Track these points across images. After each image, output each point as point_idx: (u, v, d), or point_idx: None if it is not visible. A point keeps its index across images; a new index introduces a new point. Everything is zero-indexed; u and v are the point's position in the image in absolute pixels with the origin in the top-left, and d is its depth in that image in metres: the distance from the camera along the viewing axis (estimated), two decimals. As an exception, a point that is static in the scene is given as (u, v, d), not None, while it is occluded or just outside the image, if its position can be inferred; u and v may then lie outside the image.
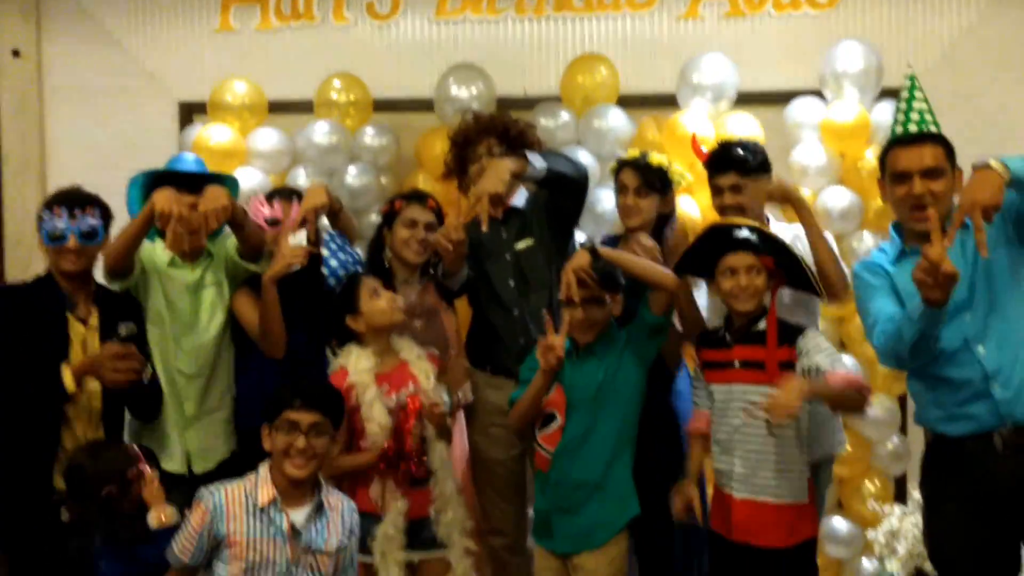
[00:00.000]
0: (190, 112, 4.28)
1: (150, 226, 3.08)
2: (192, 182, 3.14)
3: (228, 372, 3.28)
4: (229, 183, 3.28)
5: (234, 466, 3.08)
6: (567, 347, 3.06)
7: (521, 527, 3.50)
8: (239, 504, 2.76)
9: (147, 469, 2.91)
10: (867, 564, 3.91)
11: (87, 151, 4.14)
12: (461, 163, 3.61)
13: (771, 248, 2.83)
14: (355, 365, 3.10)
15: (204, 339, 3.21)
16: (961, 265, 2.57)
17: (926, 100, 2.81)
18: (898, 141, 2.80)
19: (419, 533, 3.10)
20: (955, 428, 2.71)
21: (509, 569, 3.52)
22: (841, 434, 3.33)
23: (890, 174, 2.80)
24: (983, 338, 2.65)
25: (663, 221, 3.32)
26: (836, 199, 3.94)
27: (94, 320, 3.07)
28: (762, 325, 2.86)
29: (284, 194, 3.42)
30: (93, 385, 3.00)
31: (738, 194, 3.13)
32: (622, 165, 3.34)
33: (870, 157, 3.97)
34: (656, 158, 3.31)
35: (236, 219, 3.11)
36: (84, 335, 3.04)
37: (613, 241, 3.40)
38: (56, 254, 3.05)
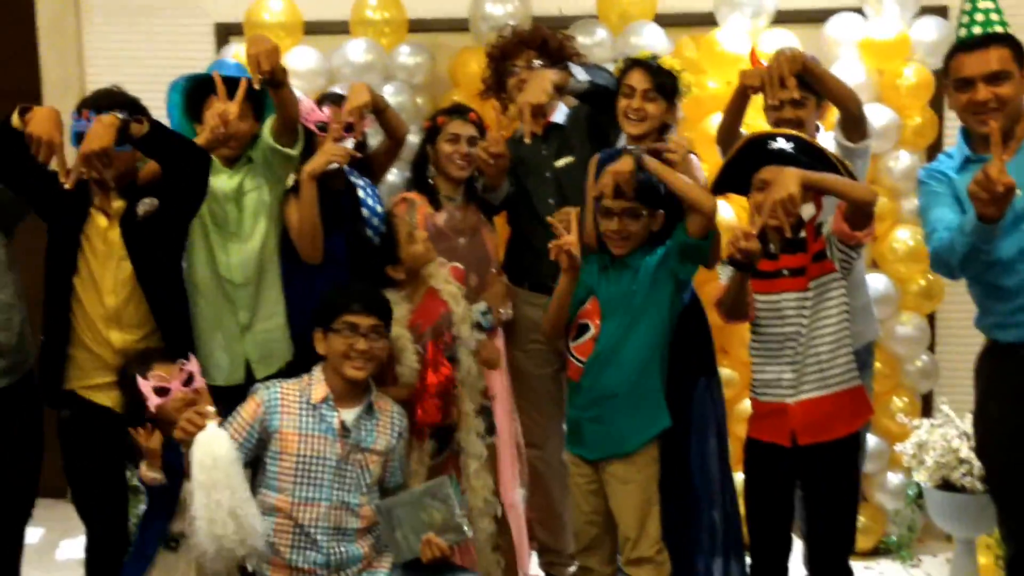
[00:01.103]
0: (227, 33, 4.29)
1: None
2: (233, 87, 3.07)
3: (279, 278, 3.26)
4: (265, 98, 3.21)
5: (294, 373, 3.09)
6: (604, 260, 3.10)
7: (556, 441, 3.57)
8: (293, 400, 2.87)
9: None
10: (892, 478, 3.99)
11: (125, 72, 4.11)
12: (499, 78, 3.62)
13: (811, 158, 2.82)
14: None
15: (250, 246, 3.19)
16: (1021, 179, 2.57)
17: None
18: (962, 46, 2.80)
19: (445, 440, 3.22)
20: (1007, 335, 2.77)
21: (545, 480, 3.60)
22: (876, 324, 3.39)
23: (953, 80, 2.79)
24: None
25: (661, 131, 3.25)
26: (874, 117, 3.90)
27: (117, 205, 3.00)
28: (803, 234, 2.89)
29: (333, 99, 3.42)
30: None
31: (799, 108, 3.12)
32: (631, 65, 3.28)
33: (909, 75, 3.96)
34: (669, 60, 3.26)
35: (276, 77, 3.00)
36: (105, 228, 3.01)
37: (612, 155, 3.24)
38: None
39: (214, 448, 2.71)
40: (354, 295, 2.92)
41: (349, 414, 2.89)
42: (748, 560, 3.13)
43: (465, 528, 2.86)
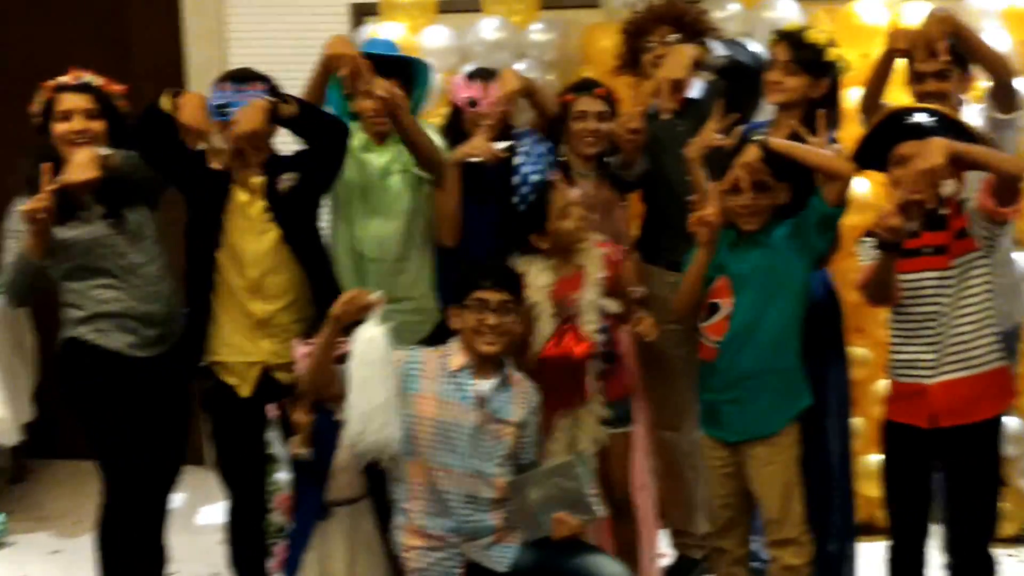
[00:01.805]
0: (361, 13, 4.38)
1: (327, 73, 3.14)
2: (384, 65, 3.15)
3: (419, 261, 3.32)
4: (420, 67, 3.33)
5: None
6: (732, 236, 3.07)
7: (690, 423, 3.53)
8: (433, 366, 2.93)
9: None
10: (1036, 461, 3.86)
11: (264, 51, 4.27)
12: (634, 54, 3.60)
13: (952, 133, 2.75)
14: (534, 280, 3.15)
15: (390, 225, 3.27)
16: None
17: None
18: None
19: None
20: None
21: (677, 463, 3.59)
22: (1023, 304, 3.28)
23: None
24: None
25: (813, 107, 3.15)
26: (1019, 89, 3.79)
27: (258, 180, 3.08)
28: (946, 210, 2.82)
29: (483, 74, 3.43)
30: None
31: (942, 81, 3.04)
32: (776, 37, 3.24)
33: (1056, 46, 3.82)
34: (815, 34, 3.19)
35: (410, 135, 3.15)
36: (246, 202, 3.10)
37: (755, 128, 3.27)
38: (223, 128, 3.04)
39: (372, 348, 2.79)
40: (484, 271, 2.96)
41: (485, 384, 2.94)
42: (886, 544, 3.07)
43: (595, 507, 2.88)
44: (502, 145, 3.27)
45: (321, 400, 2.97)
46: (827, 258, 3.19)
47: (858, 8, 3.93)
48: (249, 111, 2.95)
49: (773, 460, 3.02)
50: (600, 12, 4.11)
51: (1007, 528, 3.92)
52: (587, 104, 3.43)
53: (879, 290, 2.86)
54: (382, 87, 3.07)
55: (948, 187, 2.77)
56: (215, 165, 2.93)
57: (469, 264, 3.04)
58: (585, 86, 3.53)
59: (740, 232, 3.07)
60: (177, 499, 3.51)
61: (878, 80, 3.16)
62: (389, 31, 4.08)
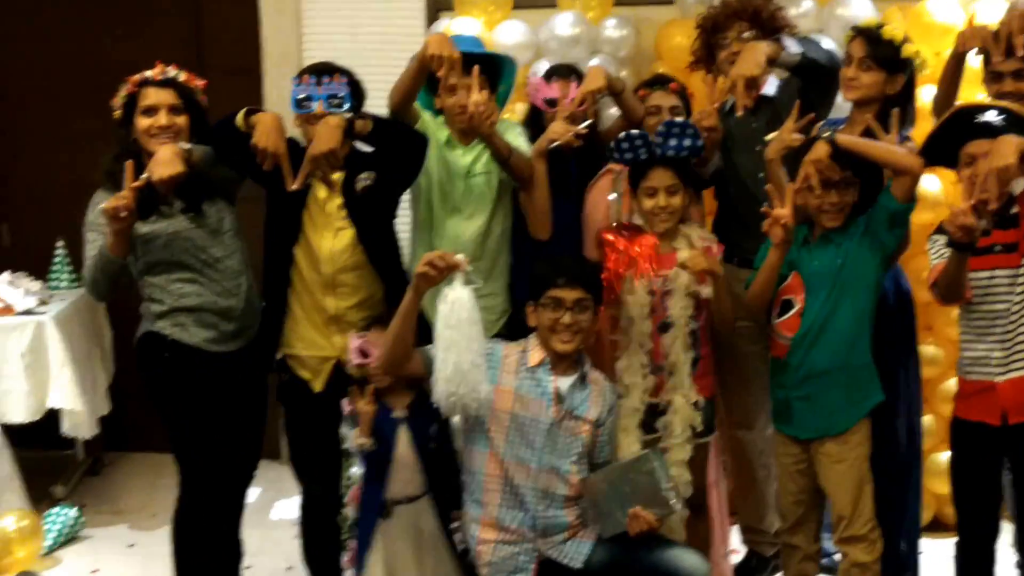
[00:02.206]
0: (437, 9, 4.43)
1: (424, 71, 3.14)
2: (469, 61, 3.15)
3: (493, 260, 3.37)
4: (506, 64, 3.36)
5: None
6: (804, 232, 3.08)
7: (763, 421, 3.55)
8: (513, 360, 2.97)
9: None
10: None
11: (339, 46, 4.30)
12: (709, 50, 3.61)
13: (1022, 132, 2.73)
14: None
15: (470, 225, 3.33)
16: None
17: None
18: None
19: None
20: None
21: (750, 460, 3.61)
22: None
23: None
24: None
25: (889, 104, 3.15)
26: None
27: (336, 177, 3.08)
28: (1016, 209, 2.83)
29: (563, 72, 3.48)
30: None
31: (1021, 81, 3.01)
32: (853, 33, 3.24)
33: None
34: (891, 30, 3.17)
35: (500, 154, 3.19)
36: (325, 199, 3.14)
37: (834, 124, 3.28)
38: (304, 122, 3.09)
39: (457, 309, 2.78)
40: (559, 269, 2.95)
41: (563, 381, 2.96)
42: (955, 541, 3.08)
43: (672, 502, 2.88)
44: (583, 125, 3.30)
45: (390, 385, 3.02)
46: (898, 255, 3.18)
47: (931, 6, 3.91)
48: (325, 130, 2.95)
49: (844, 457, 3.04)
50: (674, 8, 4.11)
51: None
52: (661, 99, 3.49)
53: (950, 289, 2.86)
54: (477, 102, 3.12)
55: (1018, 184, 2.77)
56: (290, 188, 2.95)
57: (545, 262, 3.06)
58: (659, 81, 3.58)
59: (812, 229, 3.09)
60: (253, 493, 3.54)
61: (949, 80, 3.14)
62: (464, 26, 4.12)
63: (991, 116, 2.78)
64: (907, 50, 3.19)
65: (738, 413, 3.58)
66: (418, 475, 3.08)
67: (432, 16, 4.44)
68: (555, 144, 3.28)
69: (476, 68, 3.14)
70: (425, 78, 3.20)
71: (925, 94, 3.73)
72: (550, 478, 2.94)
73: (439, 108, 3.37)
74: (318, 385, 3.19)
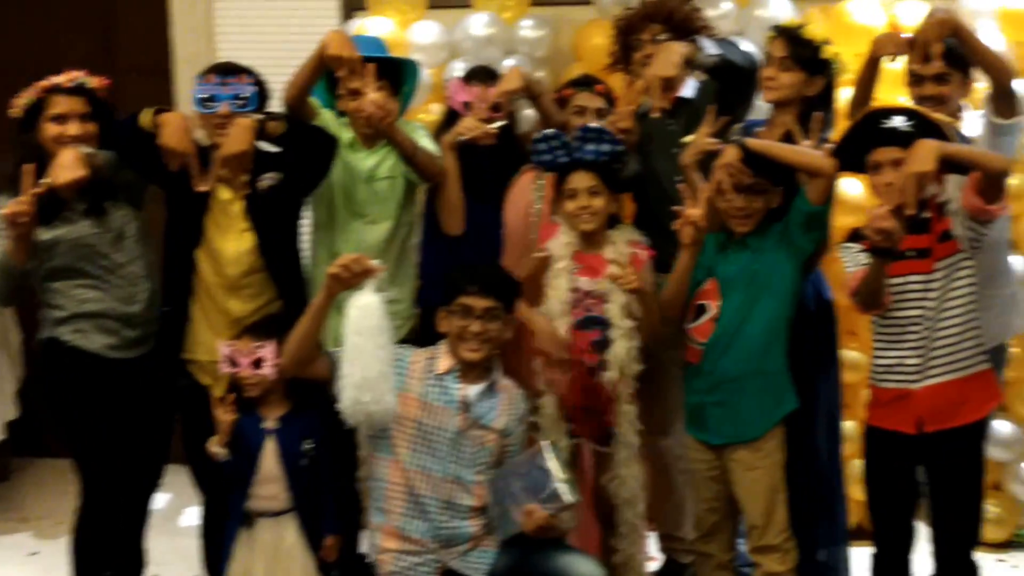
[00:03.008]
0: (351, 8, 4.33)
1: (321, 68, 3.08)
2: (377, 67, 3.09)
3: (397, 266, 3.29)
4: (409, 66, 3.29)
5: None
6: (722, 239, 3.03)
7: (679, 427, 3.45)
8: (420, 367, 2.89)
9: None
10: (1029, 468, 3.82)
11: (253, 47, 4.20)
12: (626, 51, 3.55)
13: (929, 136, 2.69)
14: (556, 237, 3.13)
15: (370, 232, 3.25)
16: None
17: None
18: None
19: (588, 424, 3.17)
20: None
21: (667, 467, 3.53)
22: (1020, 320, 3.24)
23: None
24: None
25: (808, 106, 3.11)
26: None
27: (240, 178, 3.01)
28: (927, 214, 2.79)
29: (482, 76, 3.41)
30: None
31: (941, 84, 2.99)
32: (773, 33, 3.20)
33: (1053, 46, 3.78)
34: (812, 31, 3.13)
35: (404, 151, 3.13)
36: (228, 200, 3.06)
37: (755, 125, 3.26)
38: (208, 123, 3.01)
39: (367, 315, 2.73)
40: (472, 277, 2.90)
41: (472, 389, 2.90)
42: (871, 552, 3.04)
43: (563, 494, 2.79)
44: (493, 125, 3.25)
45: (265, 395, 2.96)
46: (817, 260, 3.14)
47: (852, 7, 3.88)
48: (237, 131, 2.90)
49: (757, 465, 2.99)
50: (592, 8, 4.04)
51: (998, 533, 3.91)
52: (587, 100, 3.42)
53: (871, 297, 2.81)
54: (374, 101, 3.04)
55: (929, 189, 2.75)
56: (199, 188, 2.86)
57: (458, 269, 3.00)
58: (586, 82, 3.51)
59: (730, 234, 3.03)
60: (161, 500, 3.48)
61: (864, 85, 3.10)
62: (378, 26, 4.04)
63: (898, 122, 2.74)
64: (827, 51, 3.15)
65: (655, 418, 3.50)
66: (283, 490, 3.00)
67: (346, 16, 4.35)
68: (464, 139, 3.21)
69: (371, 67, 3.07)
70: (321, 75, 3.13)
71: (845, 96, 3.72)
72: (454, 488, 2.87)
73: (342, 111, 3.28)
74: (218, 391, 3.11)
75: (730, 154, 2.93)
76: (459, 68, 4.02)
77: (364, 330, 2.71)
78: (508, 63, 3.97)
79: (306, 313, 2.80)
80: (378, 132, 3.13)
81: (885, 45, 2.93)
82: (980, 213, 2.69)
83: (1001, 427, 3.85)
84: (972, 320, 2.79)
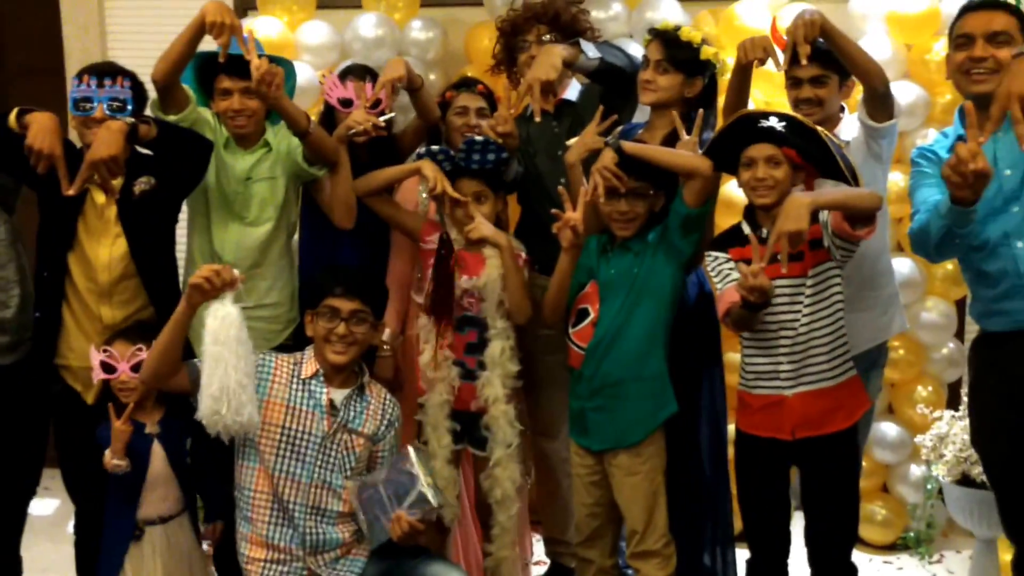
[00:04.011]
0: (245, 7, 4.27)
1: (197, 39, 2.99)
2: (247, 66, 3.01)
3: (277, 269, 3.24)
4: (284, 66, 3.21)
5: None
6: (604, 242, 3.02)
7: (566, 430, 3.39)
8: (285, 371, 2.84)
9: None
10: (915, 470, 3.85)
11: (145, 47, 4.12)
12: (509, 53, 3.53)
13: (803, 139, 2.70)
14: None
15: (253, 232, 3.19)
16: (1014, 156, 2.48)
17: None
18: (967, 7, 2.68)
19: (466, 427, 3.15)
20: (992, 324, 2.65)
21: (553, 470, 3.52)
22: (903, 316, 3.25)
23: (954, 39, 2.67)
24: (1023, 234, 2.54)
25: (689, 108, 3.10)
26: (902, 94, 3.77)
27: (115, 182, 2.89)
28: None
29: (358, 72, 3.37)
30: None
31: (818, 87, 3.00)
32: (650, 36, 3.18)
33: (939, 50, 3.80)
34: (689, 32, 3.12)
35: (298, 126, 3.07)
36: (102, 205, 2.99)
37: (635, 128, 3.24)
38: (83, 126, 2.93)
39: (227, 326, 2.65)
40: (338, 277, 2.86)
41: (339, 393, 2.85)
42: (746, 558, 3.02)
43: (430, 497, 2.74)
44: (384, 117, 3.22)
45: (139, 401, 2.90)
46: (697, 261, 3.12)
47: (741, 10, 3.89)
48: (106, 135, 2.80)
49: (637, 470, 2.96)
50: (484, 10, 4.01)
51: (885, 535, 3.93)
52: (468, 100, 3.42)
53: (742, 327, 2.81)
54: (256, 65, 2.94)
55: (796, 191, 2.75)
56: (66, 192, 2.78)
57: (324, 270, 2.95)
58: (466, 83, 3.50)
59: (612, 237, 3.02)
60: (50, 506, 3.43)
61: (736, 91, 3.07)
62: (266, 26, 3.99)
63: (774, 122, 2.73)
64: (705, 52, 3.13)
65: (541, 421, 3.50)
66: (174, 492, 2.96)
67: (239, 15, 4.25)
68: (354, 132, 3.17)
69: (251, 32, 3.03)
70: (195, 49, 3.04)
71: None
72: (322, 493, 2.82)
73: (216, 113, 3.22)
74: (90, 398, 3.04)
75: (606, 158, 2.92)
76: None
77: (224, 340, 2.65)
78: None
79: (168, 325, 2.73)
80: (268, 100, 3.04)
81: (750, 50, 2.92)
82: (848, 237, 2.69)
83: (888, 430, 3.88)
84: (841, 328, 2.78)
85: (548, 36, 3.42)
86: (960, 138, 2.64)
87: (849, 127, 3.09)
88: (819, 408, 2.76)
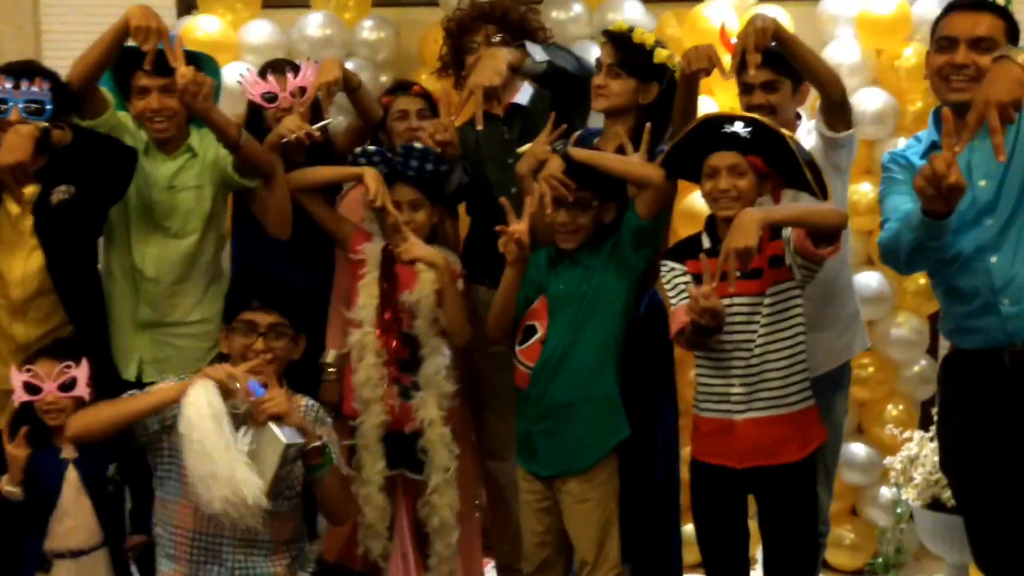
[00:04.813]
0: (188, 8, 4.08)
1: (118, 44, 2.84)
2: (166, 61, 2.83)
3: (204, 283, 3.05)
4: (207, 63, 3.03)
5: None
6: (551, 254, 2.86)
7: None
8: None
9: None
10: (885, 492, 3.69)
11: (81, 47, 3.95)
12: (457, 55, 3.36)
13: (769, 145, 2.54)
14: (372, 243, 2.99)
15: (178, 244, 3.01)
16: (989, 167, 2.35)
17: None
18: (953, 6, 2.51)
19: (401, 450, 2.97)
20: (965, 341, 2.51)
21: (505, 494, 3.34)
22: (865, 335, 3.10)
23: (936, 41, 2.50)
24: (997, 248, 2.40)
25: (645, 114, 2.93)
26: (870, 101, 3.64)
27: (30, 191, 2.77)
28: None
29: (277, 67, 3.19)
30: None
31: (770, 93, 2.83)
32: (604, 40, 3.01)
33: (909, 55, 3.66)
34: (642, 35, 2.95)
35: (228, 137, 2.88)
36: (17, 215, 2.81)
37: (594, 135, 3.08)
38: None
39: (204, 413, 2.47)
40: (254, 288, 2.70)
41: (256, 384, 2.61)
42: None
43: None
44: (319, 124, 3.05)
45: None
46: (653, 277, 2.94)
47: (707, 11, 3.74)
48: (14, 140, 2.63)
49: (587, 497, 2.81)
50: (438, 10, 3.83)
51: (854, 560, 3.80)
52: (405, 103, 3.28)
53: (695, 348, 2.66)
54: (182, 74, 2.77)
55: (761, 203, 2.61)
56: None
57: (239, 281, 2.80)
58: (401, 87, 3.38)
59: (562, 250, 2.85)
60: None
61: (684, 100, 2.89)
62: (207, 25, 3.81)
63: (738, 127, 2.57)
64: (659, 55, 2.96)
65: (492, 443, 3.33)
66: (88, 523, 2.74)
67: (182, 14, 4.09)
68: (287, 139, 2.98)
69: (179, 40, 2.85)
70: (117, 53, 2.87)
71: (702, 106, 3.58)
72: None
73: (134, 115, 3.03)
74: (1, 420, 2.84)
75: (553, 165, 2.78)
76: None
77: (200, 425, 2.45)
78: (348, 66, 3.76)
79: (124, 403, 2.57)
80: (195, 110, 2.86)
81: (694, 60, 2.76)
82: (811, 256, 2.54)
83: (857, 451, 3.73)
84: (800, 352, 2.61)
85: (497, 37, 3.26)
86: (934, 144, 2.50)
87: (806, 135, 2.93)
88: (770, 436, 2.59)
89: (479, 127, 3.00)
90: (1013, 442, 2.43)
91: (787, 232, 2.56)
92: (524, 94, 3.26)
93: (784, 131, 2.60)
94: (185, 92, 2.77)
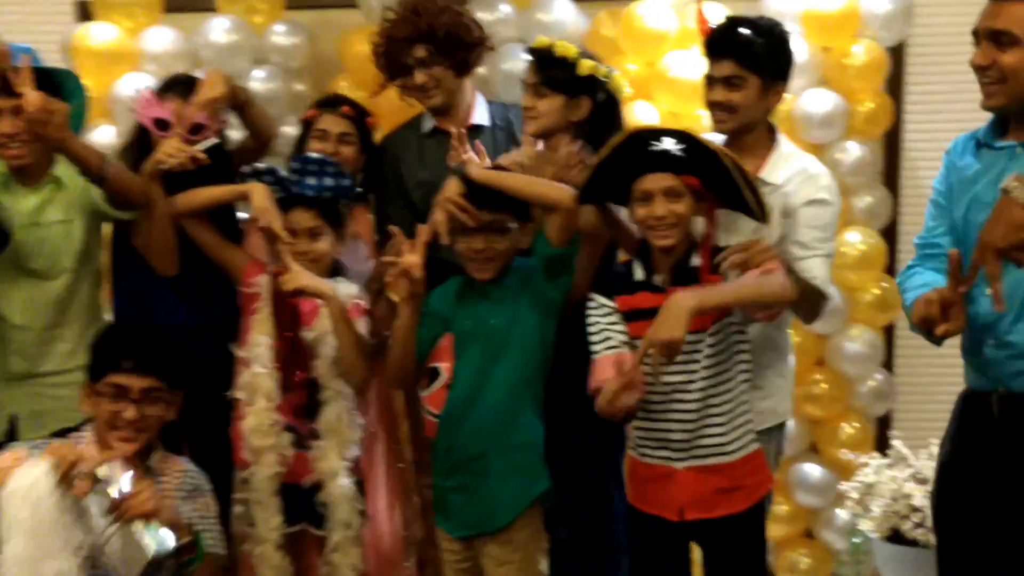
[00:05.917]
0: (86, 13, 3.77)
1: None
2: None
3: (81, 327, 2.76)
4: (69, 79, 2.73)
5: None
6: (458, 286, 2.61)
7: None
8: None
9: None
10: (841, 514, 3.48)
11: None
12: (398, 67, 3.04)
13: (704, 163, 2.30)
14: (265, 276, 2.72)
15: (48, 287, 2.72)
16: None
17: None
18: None
19: (300, 503, 2.69)
20: (972, 380, 2.31)
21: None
22: (789, 402, 2.80)
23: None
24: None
25: (590, 129, 2.72)
26: (817, 103, 3.43)
27: None
28: (697, 260, 2.37)
29: (182, 87, 2.87)
30: None
31: (733, 90, 2.53)
32: (528, 57, 2.79)
33: (858, 53, 3.45)
34: (564, 48, 2.71)
35: (89, 167, 2.59)
36: None
37: None
38: None
39: (35, 492, 2.10)
40: (127, 347, 2.33)
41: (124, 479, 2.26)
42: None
43: (147, 550, 2.16)
44: (200, 146, 2.76)
45: None
46: (570, 307, 2.63)
47: (642, 11, 3.49)
48: None
49: (508, 559, 2.55)
50: (357, 12, 3.55)
51: (812, 584, 3.58)
52: (328, 123, 3.01)
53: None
54: (32, 101, 2.48)
55: (695, 227, 2.38)
56: None
57: (108, 336, 2.45)
58: (329, 102, 3.09)
59: (470, 280, 2.59)
60: None
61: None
62: (102, 32, 3.52)
63: (669, 144, 2.31)
64: (583, 67, 2.71)
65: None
66: None
67: (82, 20, 3.78)
68: (166, 167, 2.71)
69: (26, 63, 2.54)
70: None
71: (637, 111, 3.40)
72: None
73: None
74: None
75: (451, 187, 2.53)
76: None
77: (33, 507, 2.09)
78: (258, 75, 3.48)
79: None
80: (47, 142, 2.56)
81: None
82: (751, 314, 2.38)
83: (811, 471, 3.53)
84: (744, 395, 2.40)
85: (426, 54, 2.97)
86: (979, 141, 2.25)
87: (782, 164, 2.60)
88: (713, 487, 2.36)
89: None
90: (998, 484, 2.23)
91: (725, 267, 2.33)
92: (481, 112, 3.07)
93: (718, 147, 2.36)
94: (34, 121, 2.48)
